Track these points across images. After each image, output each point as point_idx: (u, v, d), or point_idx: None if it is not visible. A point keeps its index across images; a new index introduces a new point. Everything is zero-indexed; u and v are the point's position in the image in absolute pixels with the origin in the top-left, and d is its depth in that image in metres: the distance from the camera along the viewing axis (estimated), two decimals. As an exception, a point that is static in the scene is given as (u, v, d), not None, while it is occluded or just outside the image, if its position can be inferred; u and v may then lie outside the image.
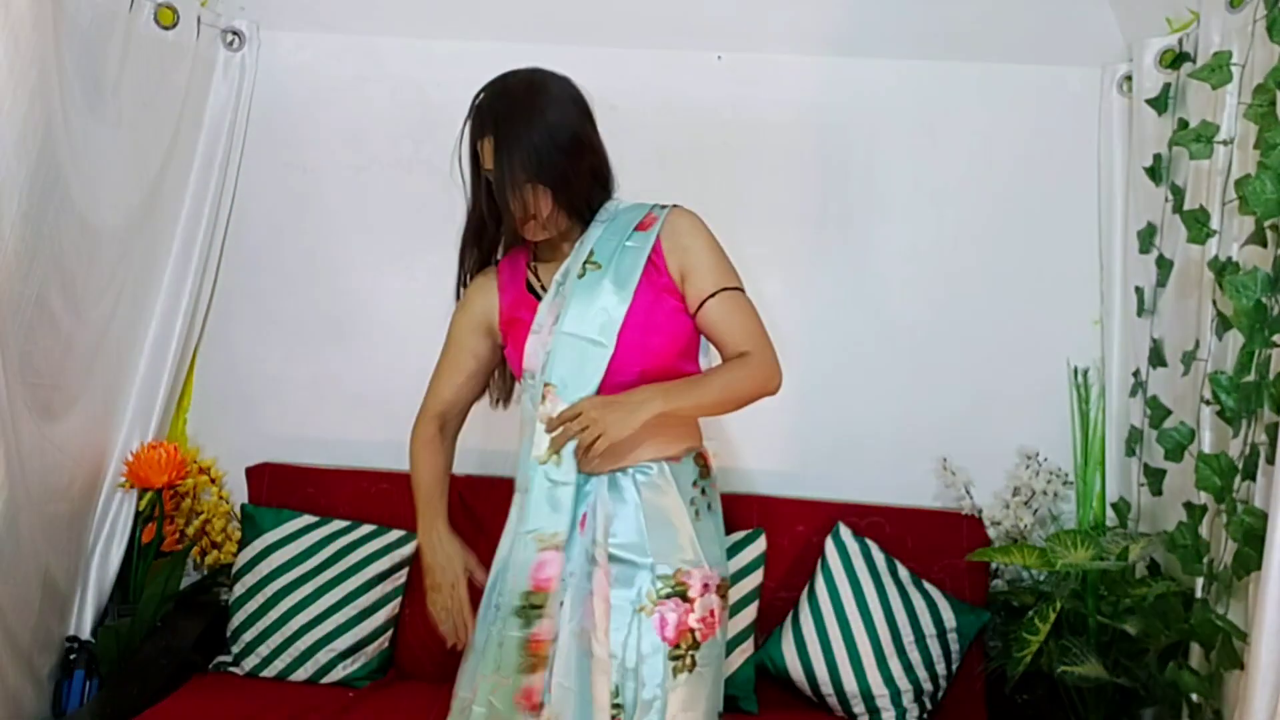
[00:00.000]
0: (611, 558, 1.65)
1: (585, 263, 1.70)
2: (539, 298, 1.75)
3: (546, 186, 1.64)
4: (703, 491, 1.73)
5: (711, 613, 1.66)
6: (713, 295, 1.68)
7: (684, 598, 1.64)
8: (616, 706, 1.60)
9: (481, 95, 1.68)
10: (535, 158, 1.61)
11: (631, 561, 1.65)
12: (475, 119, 1.68)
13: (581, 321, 1.66)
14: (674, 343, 1.70)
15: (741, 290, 1.72)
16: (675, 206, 1.75)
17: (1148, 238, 2.41)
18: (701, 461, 1.75)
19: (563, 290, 1.71)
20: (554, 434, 1.62)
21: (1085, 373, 2.52)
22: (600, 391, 1.65)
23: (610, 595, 1.64)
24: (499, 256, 1.86)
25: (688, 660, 1.62)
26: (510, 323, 1.79)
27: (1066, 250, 2.61)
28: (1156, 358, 2.36)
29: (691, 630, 1.63)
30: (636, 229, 1.71)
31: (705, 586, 1.66)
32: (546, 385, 1.66)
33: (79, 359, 2.38)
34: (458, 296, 1.87)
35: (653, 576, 1.64)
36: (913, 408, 2.65)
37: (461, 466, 2.60)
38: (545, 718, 1.63)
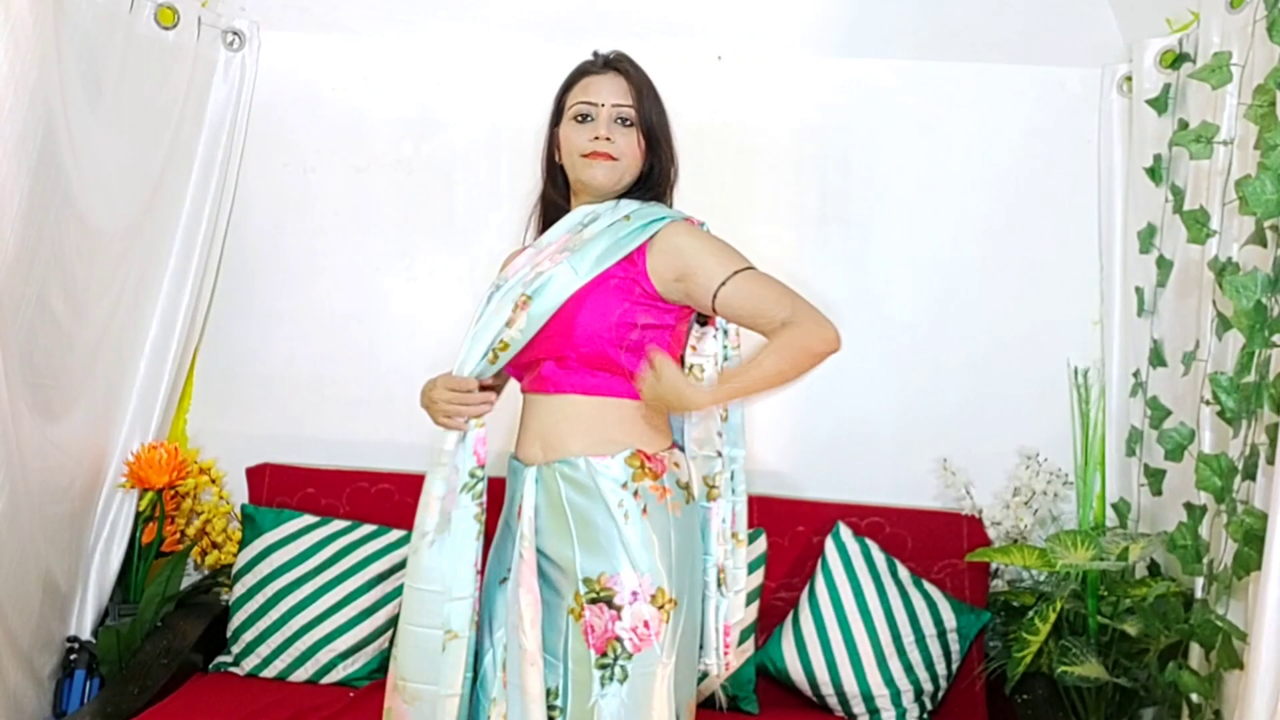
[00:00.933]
0: (543, 554, 1.65)
1: (624, 217, 1.74)
2: None
3: (644, 137, 1.75)
4: (635, 494, 1.64)
5: (645, 623, 1.58)
6: (725, 283, 1.63)
7: (610, 604, 1.59)
8: (554, 708, 1.59)
9: (599, 54, 1.80)
10: (656, 113, 1.77)
11: (558, 562, 1.64)
12: (597, 63, 1.78)
13: (587, 253, 1.68)
14: (610, 330, 1.66)
15: (754, 268, 1.67)
16: (677, 221, 1.74)
17: (1148, 238, 2.41)
18: (638, 463, 1.66)
19: (591, 228, 1.72)
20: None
21: (1085, 373, 2.51)
22: (537, 360, 1.70)
23: (542, 593, 1.63)
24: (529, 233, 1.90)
25: (617, 671, 1.57)
26: None
27: (1066, 250, 2.61)
28: (1156, 358, 2.36)
29: (618, 639, 1.58)
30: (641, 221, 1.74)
31: (635, 595, 1.59)
32: (525, 297, 1.68)
33: (79, 359, 2.39)
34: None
35: (578, 579, 1.61)
36: (913, 408, 2.65)
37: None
38: (497, 713, 1.63)
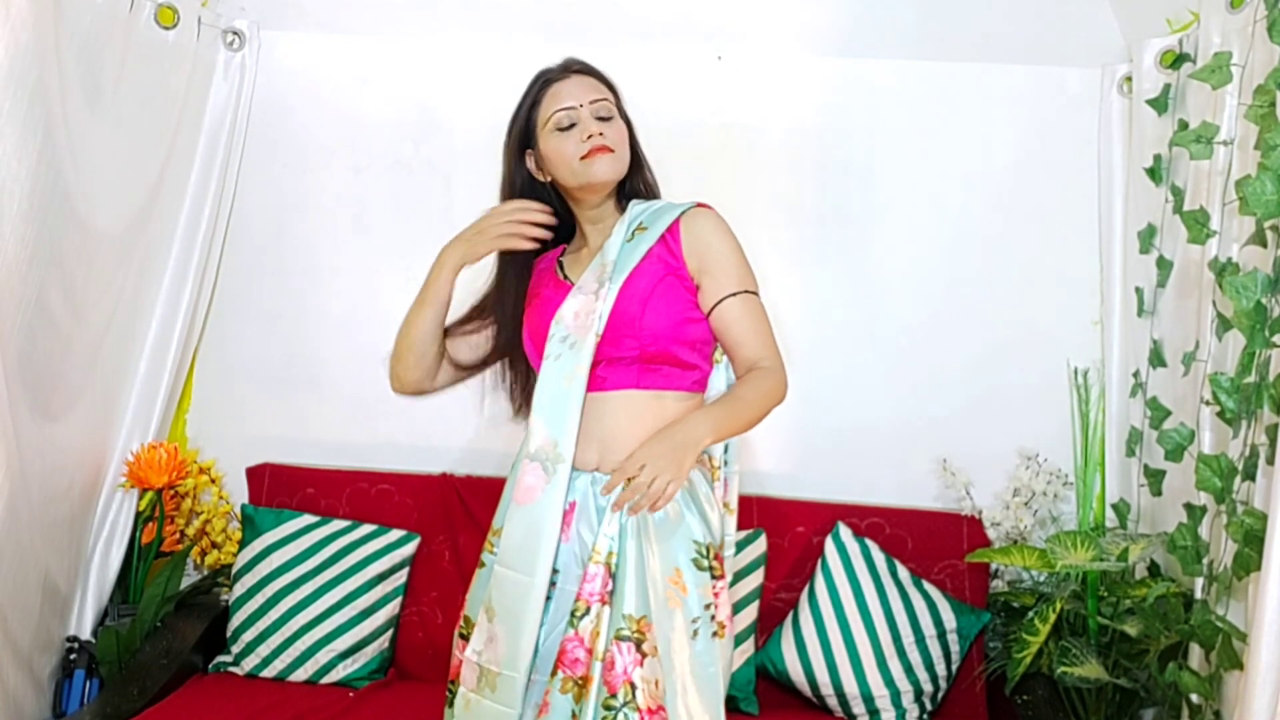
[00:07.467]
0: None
1: (634, 229, 1.72)
2: (563, 280, 1.77)
3: (628, 127, 1.74)
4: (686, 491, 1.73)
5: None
6: (732, 295, 1.67)
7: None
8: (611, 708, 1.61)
9: (551, 67, 1.77)
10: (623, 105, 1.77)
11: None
12: (555, 70, 1.74)
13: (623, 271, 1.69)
14: (674, 329, 1.67)
15: (757, 295, 1.70)
16: (700, 204, 1.75)
17: (1148, 238, 2.41)
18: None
19: (607, 258, 1.71)
20: (622, 497, 1.55)
21: (1085, 373, 2.51)
22: (596, 361, 1.65)
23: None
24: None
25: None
26: (532, 296, 1.81)
27: (1066, 250, 2.61)
28: (1156, 358, 2.36)
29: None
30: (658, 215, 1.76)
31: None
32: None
33: (79, 360, 2.38)
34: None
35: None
36: (913, 408, 2.65)
37: (461, 466, 2.63)
38: None
